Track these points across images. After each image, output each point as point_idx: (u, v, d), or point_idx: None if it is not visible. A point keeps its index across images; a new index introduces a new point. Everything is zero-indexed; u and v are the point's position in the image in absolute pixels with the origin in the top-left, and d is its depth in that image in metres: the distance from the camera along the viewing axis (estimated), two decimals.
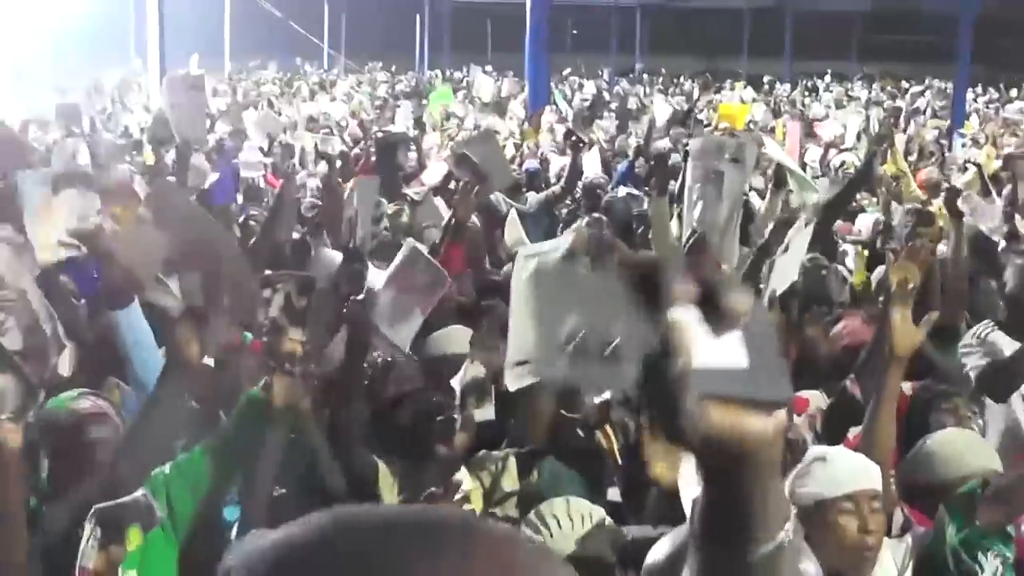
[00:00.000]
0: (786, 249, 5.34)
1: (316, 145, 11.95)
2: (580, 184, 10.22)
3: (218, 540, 3.79)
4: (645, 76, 38.48)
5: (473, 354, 4.68)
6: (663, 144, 12.95)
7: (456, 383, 4.51)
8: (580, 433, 4.43)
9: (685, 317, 1.11)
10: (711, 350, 1.10)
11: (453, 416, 4.23)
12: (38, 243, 4.59)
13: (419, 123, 15.13)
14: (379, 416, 4.55)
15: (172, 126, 8.45)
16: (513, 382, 3.87)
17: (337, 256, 6.58)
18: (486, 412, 3.93)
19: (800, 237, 5.44)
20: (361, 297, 4.51)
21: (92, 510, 2.92)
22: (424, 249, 4.85)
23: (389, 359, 4.82)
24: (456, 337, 5.28)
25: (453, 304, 5.92)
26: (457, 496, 4.04)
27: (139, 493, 2.98)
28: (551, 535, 3.54)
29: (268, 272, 4.55)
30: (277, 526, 3.51)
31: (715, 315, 1.11)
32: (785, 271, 5.31)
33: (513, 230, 7.80)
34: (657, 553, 2.54)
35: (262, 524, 3.60)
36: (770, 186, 7.77)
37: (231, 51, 37.19)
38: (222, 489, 3.78)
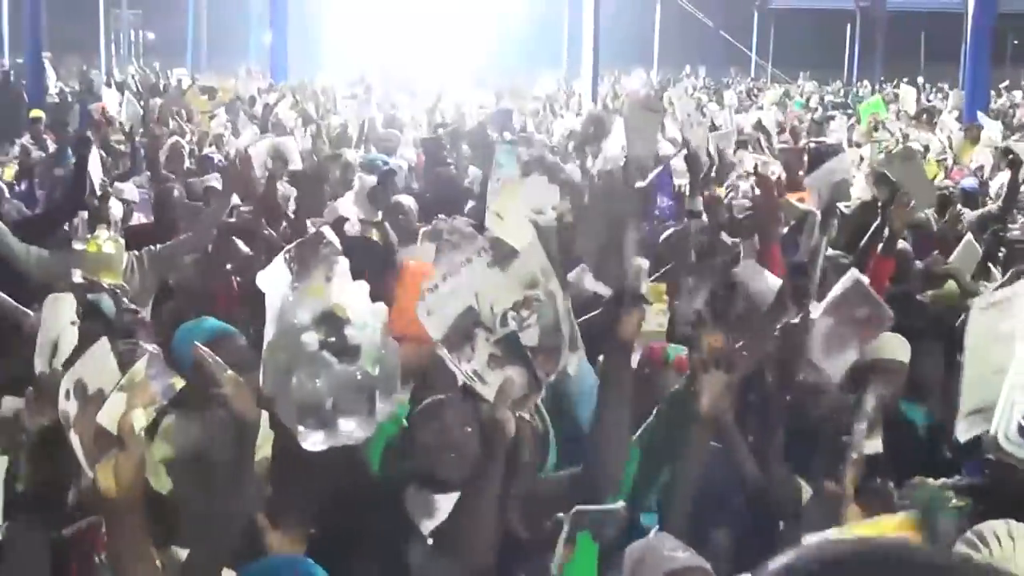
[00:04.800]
0: None
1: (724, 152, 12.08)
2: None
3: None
4: None
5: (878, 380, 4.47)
6: None
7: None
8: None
9: None
10: None
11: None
12: (492, 207, 4.92)
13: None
14: (801, 436, 4.39)
15: (626, 147, 8.86)
16: (965, 432, 3.73)
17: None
18: (875, 445, 3.81)
19: None
20: (796, 321, 4.36)
21: (574, 510, 3.03)
22: (866, 281, 4.62)
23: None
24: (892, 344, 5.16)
25: None
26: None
27: (620, 504, 3.13)
28: (991, 554, 3.50)
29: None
30: (694, 536, 3.37)
31: None
32: None
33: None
34: None
35: (681, 532, 3.48)
36: None
37: (660, 59, 38.02)
38: (645, 490, 3.85)
